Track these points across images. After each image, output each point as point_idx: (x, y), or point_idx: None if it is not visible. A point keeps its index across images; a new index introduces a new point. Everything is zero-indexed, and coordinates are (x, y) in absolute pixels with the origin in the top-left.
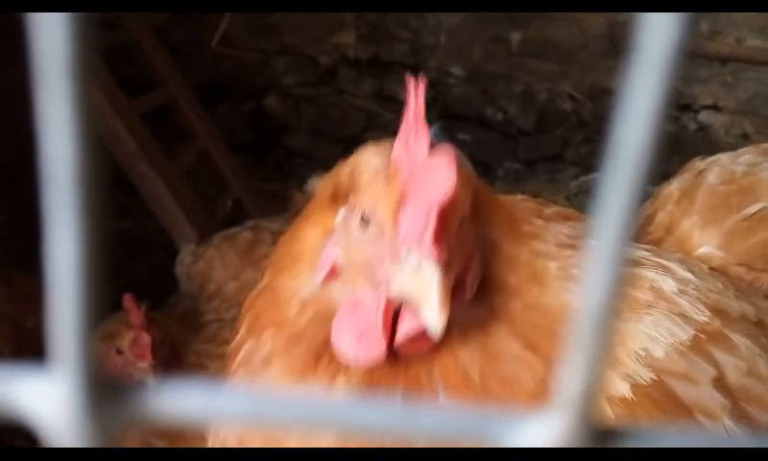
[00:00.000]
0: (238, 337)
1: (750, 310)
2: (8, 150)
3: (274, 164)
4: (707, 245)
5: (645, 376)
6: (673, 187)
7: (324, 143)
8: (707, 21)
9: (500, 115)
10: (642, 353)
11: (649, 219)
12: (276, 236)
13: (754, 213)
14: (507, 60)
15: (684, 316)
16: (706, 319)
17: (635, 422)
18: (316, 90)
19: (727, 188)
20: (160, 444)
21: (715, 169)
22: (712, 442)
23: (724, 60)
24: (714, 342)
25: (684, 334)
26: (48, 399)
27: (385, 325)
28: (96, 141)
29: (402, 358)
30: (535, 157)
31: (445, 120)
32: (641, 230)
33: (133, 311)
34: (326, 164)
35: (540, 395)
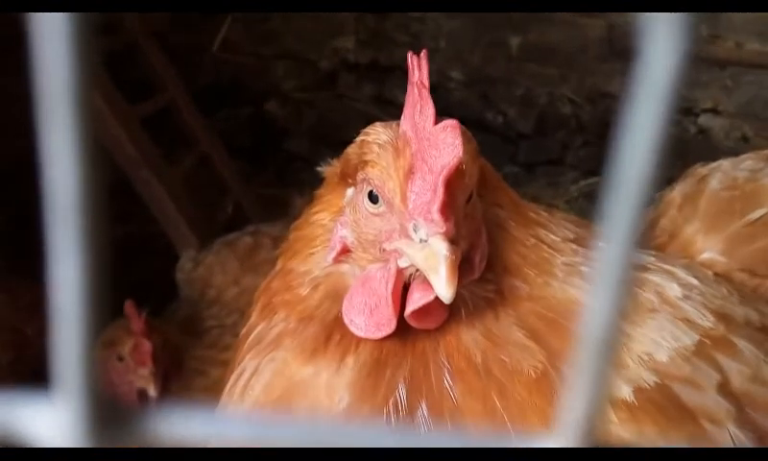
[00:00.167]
0: (250, 321)
1: (754, 316)
2: (9, 157)
3: (274, 169)
4: (710, 250)
5: (649, 379)
6: (675, 193)
7: (324, 147)
8: (706, 25)
9: (500, 119)
10: (646, 357)
11: (652, 224)
12: (276, 241)
13: (756, 219)
14: (506, 64)
15: (688, 321)
16: (710, 324)
17: (638, 426)
18: (316, 95)
19: (729, 194)
20: None
21: (718, 175)
22: None
23: (723, 64)
24: (719, 347)
25: (689, 339)
26: (52, 426)
27: (395, 298)
28: (99, 170)
29: (410, 337)
30: (535, 161)
31: None
32: (645, 236)
33: (134, 318)
34: None
35: (539, 386)
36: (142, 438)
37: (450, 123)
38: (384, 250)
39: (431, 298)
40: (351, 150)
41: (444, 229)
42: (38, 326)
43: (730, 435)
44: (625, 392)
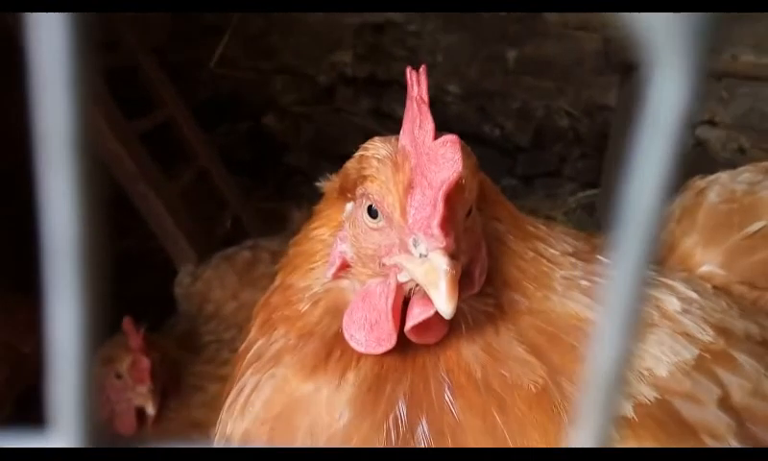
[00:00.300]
0: (249, 336)
1: (754, 329)
2: (7, 174)
3: (272, 183)
4: (708, 263)
5: (649, 394)
6: (674, 206)
7: (322, 161)
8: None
9: (497, 132)
10: (646, 372)
11: None
12: (275, 255)
13: (755, 232)
14: (503, 77)
15: (688, 335)
16: (710, 338)
17: (639, 442)
18: (314, 109)
19: (728, 207)
20: None
21: (716, 188)
22: None
23: (719, 76)
24: (719, 361)
25: (689, 354)
26: None
27: (395, 313)
28: (97, 216)
29: (410, 352)
30: (532, 174)
31: None
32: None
33: (132, 335)
34: None
35: (540, 401)
36: None
37: (450, 138)
38: (384, 265)
39: (431, 313)
40: (350, 165)
41: (444, 243)
42: (35, 342)
43: None
44: (625, 408)
